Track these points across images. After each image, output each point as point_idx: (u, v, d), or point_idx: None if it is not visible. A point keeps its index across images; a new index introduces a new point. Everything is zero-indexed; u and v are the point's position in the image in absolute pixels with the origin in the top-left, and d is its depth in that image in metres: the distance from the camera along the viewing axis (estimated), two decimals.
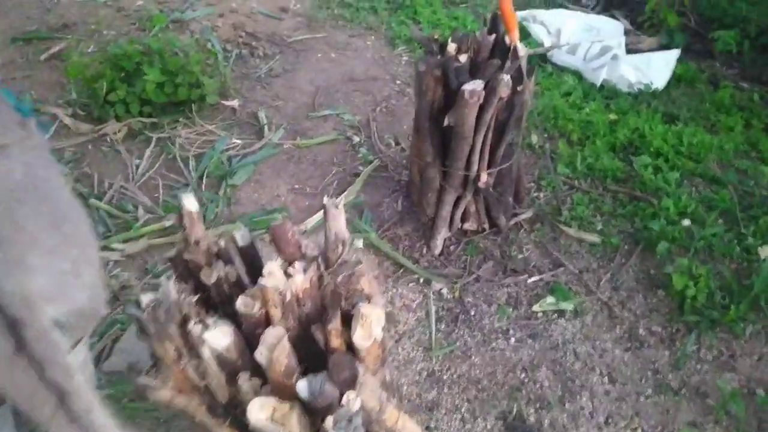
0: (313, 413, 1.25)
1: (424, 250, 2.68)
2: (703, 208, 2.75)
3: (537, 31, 4.14)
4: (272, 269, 1.31)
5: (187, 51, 3.50)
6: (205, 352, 1.29)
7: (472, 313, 2.42)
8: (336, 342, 1.31)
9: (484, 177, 2.41)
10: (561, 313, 2.41)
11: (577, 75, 3.81)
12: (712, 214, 2.70)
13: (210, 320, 1.31)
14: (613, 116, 3.35)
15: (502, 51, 2.27)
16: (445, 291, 2.51)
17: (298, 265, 1.38)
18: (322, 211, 2.83)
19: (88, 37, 4.27)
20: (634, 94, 3.59)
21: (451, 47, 2.25)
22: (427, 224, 2.71)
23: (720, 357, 2.21)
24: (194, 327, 1.27)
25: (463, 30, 3.60)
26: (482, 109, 2.15)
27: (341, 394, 1.25)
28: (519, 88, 2.20)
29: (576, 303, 2.42)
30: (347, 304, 1.37)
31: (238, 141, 3.29)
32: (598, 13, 4.65)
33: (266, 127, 3.40)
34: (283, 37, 4.41)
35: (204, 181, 3.01)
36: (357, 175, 3.09)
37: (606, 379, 2.17)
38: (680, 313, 2.34)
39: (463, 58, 2.20)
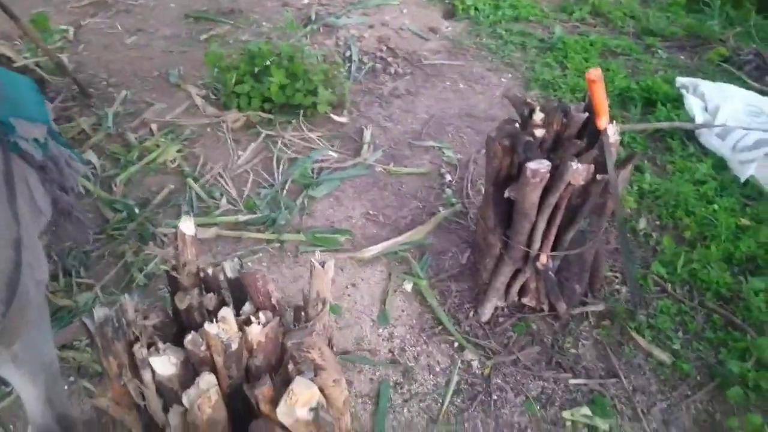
0: None
1: (471, 314, 2.52)
2: None
3: (692, 103, 3.68)
4: (226, 315, 1.30)
5: (322, 57, 3.65)
6: (146, 376, 1.32)
7: (495, 397, 2.23)
8: (265, 407, 1.27)
9: (543, 259, 2.20)
10: (593, 429, 2.12)
11: (721, 164, 3.32)
12: None
13: (162, 346, 1.34)
14: (744, 221, 2.88)
15: (595, 131, 2.04)
16: (475, 364, 2.34)
17: (262, 315, 1.36)
18: (385, 242, 2.81)
19: (247, 26, 4.63)
20: None
21: (538, 117, 2.07)
22: (482, 288, 2.54)
23: None
24: (139, 350, 1.30)
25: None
26: (547, 190, 1.96)
27: None
28: (599, 177, 1.96)
29: (614, 424, 2.12)
30: (295, 370, 1.32)
31: (334, 154, 3.35)
32: None
33: (366, 146, 3.42)
34: (420, 58, 4.40)
35: (287, 185, 3.11)
36: (434, 214, 2.99)
37: None
38: None
39: (540, 132, 2.01)
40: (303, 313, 1.51)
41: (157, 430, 1.41)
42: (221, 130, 3.50)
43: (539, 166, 1.88)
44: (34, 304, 1.33)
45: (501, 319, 2.50)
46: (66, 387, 2.11)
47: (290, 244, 2.81)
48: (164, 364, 1.30)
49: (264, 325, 1.34)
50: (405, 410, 2.19)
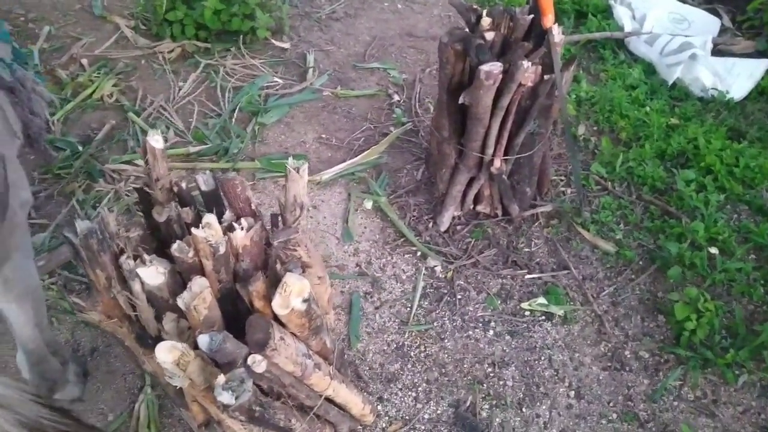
0: (220, 366, 1.28)
1: (430, 225, 2.63)
2: (737, 238, 2.52)
3: (621, 13, 3.81)
4: (210, 221, 1.32)
5: None
6: (136, 286, 1.34)
7: (459, 297, 2.37)
8: (259, 304, 1.32)
9: (497, 163, 2.31)
10: (549, 316, 2.32)
11: (651, 68, 3.51)
12: (745, 247, 2.47)
13: (148, 257, 1.35)
14: (673, 120, 3.09)
15: (540, 34, 2.11)
16: (438, 269, 2.47)
17: (244, 221, 1.39)
18: (341, 164, 2.85)
19: None
20: (705, 101, 3.28)
21: (485, 22, 2.12)
22: (439, 199, 2.64)
23: (701, 399, 2.07)
24: (126, 261, 1.31)
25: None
26: (500, 92, 2.03)
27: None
28: (546, 77, 2.05)
29: (568, 310, 2.32)
30: (283, 269, 1.37)
31: (279, 80, 3.29)
32: (699, 3, 4.21)
33: (311, 71, 3.38)
34: None
35: (236, 114, 3.05)
36: (386, 135, 3.04)
37: (573, 393, 2.09)
38: (674, 345, 2.19)
39: (490, 35, 2.06)
40: (280, 219, 1.54)
41: (148, 340, 1.44)
42: (157, 62, 3.36)
43: (492, 67, 1.94)
44: (20, 226, 1.31)
45: (459, 227, 2.62)
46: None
47: (246, 171, 2.79)
48: (153, 273, 1.32)
49: (248, 230, 1.37)
50: (377, 316, 2.30)
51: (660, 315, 2.30)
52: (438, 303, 2.35)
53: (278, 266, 1.37)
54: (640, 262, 2.48)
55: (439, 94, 2.29)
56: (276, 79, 3.29)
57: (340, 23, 3.84)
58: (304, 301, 1.30)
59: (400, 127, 3.08)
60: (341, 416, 1.74)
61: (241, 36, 3.44)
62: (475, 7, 2.23)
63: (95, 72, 3.21)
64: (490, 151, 2.29)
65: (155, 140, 1.43)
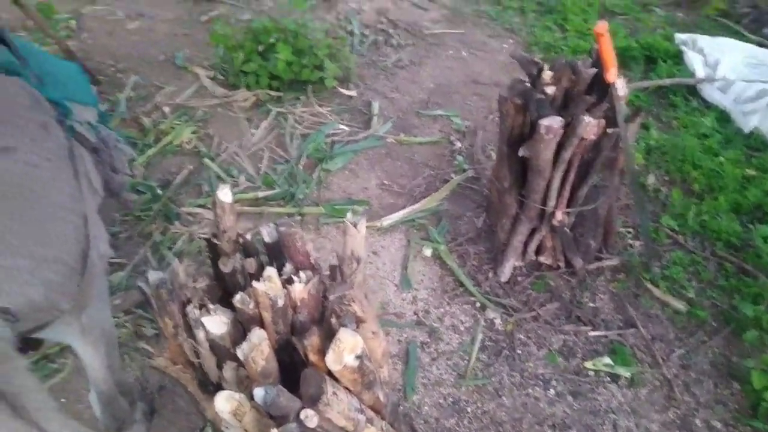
0: (275, 419, 1.31)
1: (491, 275, 2.60)
2: None
3: (692, 59, 3.72)
4: (270, 274, 1.37)
5: (324, 31, 3.68)
6: (200, 335, 1.40)
7: (519, 351, 2.32)
8: (313, 357, 1.35)
9: (559, 215, 2.27)
10: (615, 378, 2.22)
11: (725, 116, 3.38)
12: None
13: (212, 307, 1.41)
14: (750, 171, 2.94)
15: (604, 87, 2.09)
16: (498, 321, 2.43)
17: (303, 275, 1.44)
18: (401, 211, 2.89)
19: (246, 5, 4.64)
20: None
21: (547, 75, 2.12)
22: (500, 249, 2.62)
23: None
24: (192, 310, 1.38)
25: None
26: (561, 146, 2.02)
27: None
28: (609, 131, 2.02)
29: (635, 371, 2.21)
30: (337, 323, 1.40)
31: (345, 127, 3.40)
32: None
33: (375, 118, 3.47)
34: (421, 28, 4.43)
35: (303, 160, 3.17)
36: (447, 181, 3.06)
37: None
38: (750, 416, 2.04)
39: (551, 89, 2.06)
40: (338, 272, 1.58)
41: (209, 387, 1.50)
42: (232, 110, 3.55)
43: (552, 122, 1.94)
44: (99, 276, 1.41)
45: (519, 278, 2.58)
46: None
47: (310, 217, 2.88)
48: (216, 323, 1.38)
49: (306, 283, 1.41)
50: (434, 368, 2.28)
51: (735, 382, 2.16)
52: (496, 357, 2.31)
53: (333, 320, 1.40)
54: (714, 323, 2.34)
55: (500, 145, 2.30)
56: (342, 126, 3.40)
57: (405, 71, 3.94)
58: (357, 357, 1.32)
59: (462, 174, 3.10)
60: None
61: (311, 85, 3.59)
62: (536, 59, 2.24)
63: (176, 119, 3.43)
64: (551, 203, 2.26)
65: (224, 194, 1.51)
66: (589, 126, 1.93)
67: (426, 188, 3.05)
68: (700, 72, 3.60)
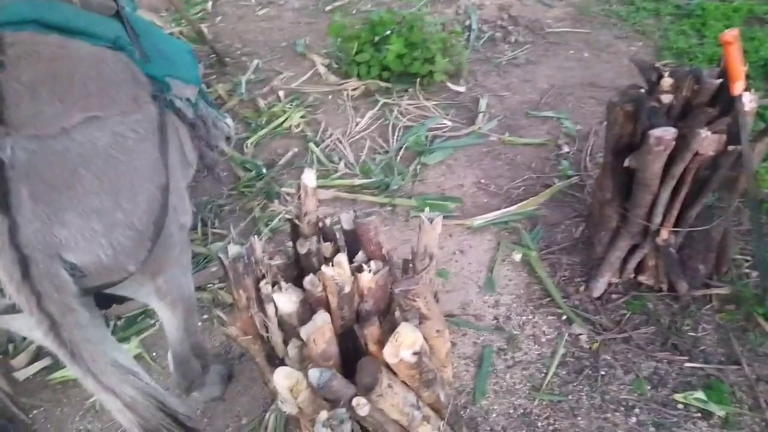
0: (329, 401, 1.34)
1: (582, 289, 2.46)
2: None
3: None
4: (341, 260, 1.40)
5: (441, 26, 3.67)
6: (270, 310, 1.47)
7: (602, 373, 2.18)
8: (373, 347, 1.36)
9: (664, 234, 2.10)
10: (707, 415, 2.02)
11: None
12: None
13: (285, 285, 1.47)
14: None
15: (728, 100, 1.89)
16: (583, 338, 2.30)
17: (373, 264, 1.45)
18: (495, 212, 2.82)
19: None
20: None
21: (666, 82, 1.96)
22: (596, 263, 2.47)
23: None
24: (265, 286, 1.45)
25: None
26: (672, 160, 1.86)
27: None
28: (730, 149, 1.83)
29: (731, 412, 2.00)
30: (401, 317, 1.40)
31: (449, 123, 3.37)
32: None
33: (481, 116, 3.40)
34: (543, 26, 4.26)
35: (401, 152, 3.19)
36: (548, 186, 2.94)
37: None
38: None
39: (667, 98, 1.89)
40: (411, 266, 1.58)
41: (276, 360, 1.56)
42: (341, 98, 3.65)
43: (664, 133, 1.79)
44: (177, 245, 1.52)
45: (614, 296, 2.42)
46: (200, 323, 2.37)
47: (402, 208, 2.90)
48: (286, 301, 1.43)
49: (375, 273, 1.43)
50: (507, 376, 2.21)
51: None
52: (577, 375, 2.19)
53: (397, 313, 1.40)
54: None
55: (605, 153, 2.16)
56: (445, 121, 3.38)
57: (520, 69, 3.82)
58: (415, 353, 1.32)
59: (565, 180, 2.95)
60: None
61: (420, 78, 3.59)
62: (657, 65, 2.08)
63: (288, 103, 3.59)
64: (657, 219, 2.10)
65: (308, 178, 1.56)
66: (706, 141, 1.76)
67: (524, 191, 2.95)
68: None
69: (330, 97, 3.69)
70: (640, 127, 1.91)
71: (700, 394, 2.05)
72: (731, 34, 1.72)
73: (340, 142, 3.32)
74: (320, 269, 1.37)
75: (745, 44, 3.71)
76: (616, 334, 2.28)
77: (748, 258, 2.47)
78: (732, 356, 2.17)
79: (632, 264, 2.35)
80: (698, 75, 1.95)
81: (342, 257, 1.40)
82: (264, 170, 3.09)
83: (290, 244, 1.64)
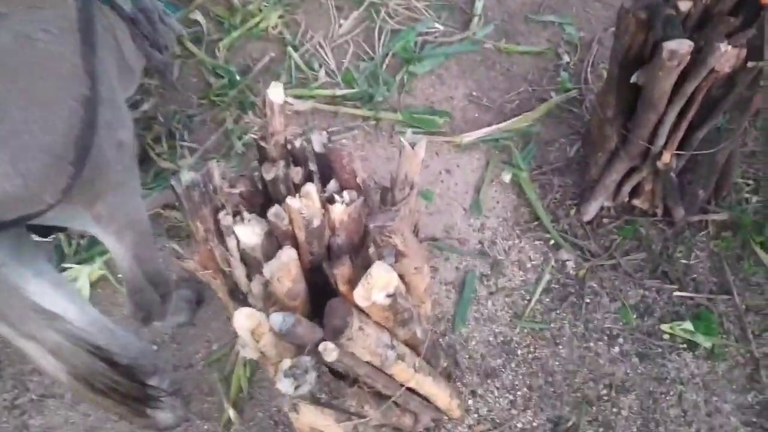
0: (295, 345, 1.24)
1: (572, 212, 2.34)
2: None
3: None
4: (309, 191, 1.24)
5: None
6: (231, 243, 1.33)
7: (587, 300, 2.11)
8: (343, 288, 1.24)
9: (666, 157, 1.94)
10: (692, 346, 1.98)
11: None
12: None
13: (247, 216, 1.32)
14: None
15: (755, 9, 1.67)
16: (570, 264, 2.21)
17: (346, 194, 1.30)
18: (486, 128, 2.63)
19: None
20: None
21: None
22: (589, 185, 2.33)
23: None
24: (224, 217, 1.30)
25: None
26: (684, 76, 1.66)
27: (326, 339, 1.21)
28: (750, 65, 1.63)
29: (717, 343, 1.96)
30: (376, 254, 1.26)
31: (440, 27, 3.08)
32: None
33: (476, 19, 3.11)
34: None
35: (388, 59, 2.92)
36: (544, 101, 2.73)
37: None
38: None
39: (686, 5, 1.67)
40: (389, 195, 1.43)
41: (239, 296, 1.45)
42: None
43: (679, 46, 1.58)
44: (116, 166, 1.33)
45: (605, 221, 2.31)
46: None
47: (386, 122, 2.70)
48: (248, 233, 1.29)
49: (348, 205, 1.28)
50: (489, 303, 2.14)
51: None
52: (561, 303, 2.12)
53: (371, 250, 1.27)
54: None
55: (610, 66, 1.96)
56: (437, 25, 3.08)
57: None
58: (389, 296, 1.20)
59: (563, 94, 2.74)
60: (424, 407, 1.66)
61: None
62: None
63: (265, 1, 3.25)
64: (660, 141, 1.93)
65: (275, 94, 1.36)
66: (725, 56, 1.56)
67: (519, 105, 2.75)
68: None
69: None
70: (653, 37, 1.70)
71: (687, 325, 2.00)
72: None
73: (321, 47, 3.04)
74: (286, 200, 1.22)
75: None
76: (605, 261, 2.20)
77: (750, 182, 2.34)
78: (724, 285, 2.10)
79: (627, 188, 2.21)
80: None
81: (311, 187, 1.24)
82: (237, 77, 2.84)
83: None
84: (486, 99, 2.78)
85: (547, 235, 2.29)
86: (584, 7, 3.18)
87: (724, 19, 1.67)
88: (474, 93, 2.81)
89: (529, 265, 2.22)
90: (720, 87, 1.75)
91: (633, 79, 1.78)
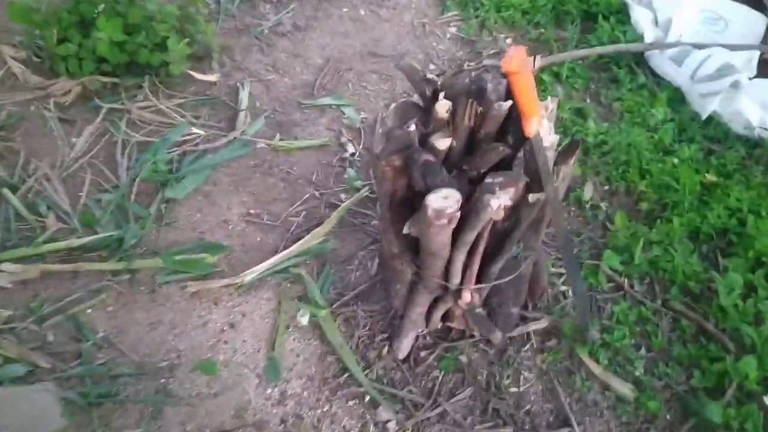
0: None
1: (385, 350, 1.97)
2: None
3: (639, 16, 3.02)
4: None
5: None
6: None
7: None
8: None
9: (467, 297, 1.62)
10: None
11: (679, 95, 2.75)
12: None
13: None
14: (710, 177, 2.36)
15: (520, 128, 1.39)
16: (392, 426, 1.82)
17: None
18: (271, 258, 2.17)
19: None
20: (751, 143, 2.53)
21: (442, 107, 1.39)
22: (396, 316, 1.97)
23: None
24: None
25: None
26: (460, 228, 1.33)
27: None
28: (531, 199, 1.35)
29: None
30: None
31: (200, 131, 2.57)
32: None
33: (242, 114, 2.65)
34: None
35: (137, 185, 2.35)
36: (335, 207, 2.34)
37: None
38: None
39: (444, 143, 1.34)
40: None
41: None
42: (48, 107, 2.64)
43: (444, 204, 1.24)
44: None
45: (423, 354, 1.96)
46: None
47: (144, 273, 2.12)
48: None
49: None
50: None
51: None
52: None
53: None
54: (668, 416, 1.81)
55: (381, 208, 1.59)
56: (195, 129, 2.57)
57: (287, 40, 3.07)
58: None
59: (353, 195, 2.37)
60: None
61: (154, 71, 2.70)
62: (429, 77, 1.50)
63: None
64: (455, 280, 1.60)
65: None
66: (499, 209, 1.24)
67: (306, 217, 2.33)
68: (650, 34, 2.91)
69: (32, 107, 2.65)
70: (415, 186, 1.35)
71: None
72: (515, 58, 1.17)
73: (49, 180, 2.38)
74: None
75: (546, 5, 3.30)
76: (430, 411, 1.83)
77: (562, 270, 2.14)
78: (560, 413, 1.83)
79: (438, 315, 1.88)
80: (482, 92, 1.41)
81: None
82: None
83: None
84: (267, 216, 2.33)
85: (361, 389, 1.88)
86: (360, 81, 2.88)
87: (491, 146, 1.36)
88: (252, 211, 2.34)
89: None
90: (505, 220, 1.45)
91: (405, 231, 1.42)
